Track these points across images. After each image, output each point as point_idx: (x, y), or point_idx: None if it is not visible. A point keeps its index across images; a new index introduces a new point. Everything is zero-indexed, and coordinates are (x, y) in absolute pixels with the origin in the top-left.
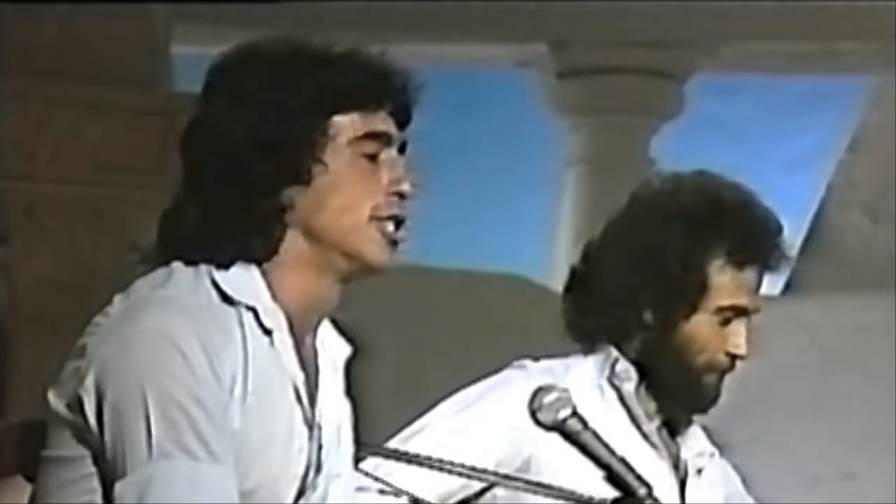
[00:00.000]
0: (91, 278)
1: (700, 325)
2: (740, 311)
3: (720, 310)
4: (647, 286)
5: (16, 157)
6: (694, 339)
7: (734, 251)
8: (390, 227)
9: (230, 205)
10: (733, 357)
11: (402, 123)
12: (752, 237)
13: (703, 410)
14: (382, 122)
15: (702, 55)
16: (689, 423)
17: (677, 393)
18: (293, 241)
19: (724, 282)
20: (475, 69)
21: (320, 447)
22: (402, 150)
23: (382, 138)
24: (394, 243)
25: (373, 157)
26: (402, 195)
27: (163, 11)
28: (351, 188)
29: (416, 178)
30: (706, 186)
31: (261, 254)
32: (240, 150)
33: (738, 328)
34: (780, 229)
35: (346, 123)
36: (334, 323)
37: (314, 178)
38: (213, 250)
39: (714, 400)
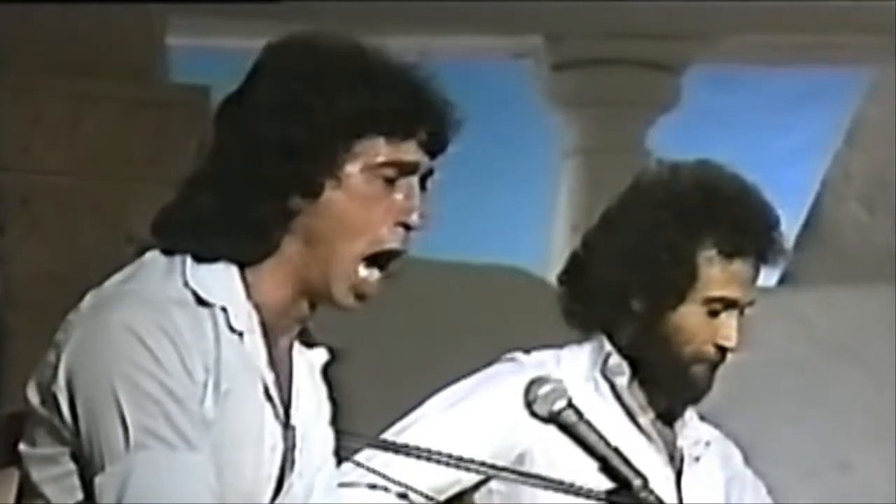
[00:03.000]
0: (87, 269)
1: (688, 315)
2: (730, 303)
3: (709, 301)
4: (636, 274)
5: (12, 147)
6: (682, 330)
7: (724, 242)
8: (369, 275)
9: (237, 199)
10: (723, 349)
11: (434, 152)
12: (743, 229)
13: (694, 401)
14: (408, 153)
15: (698, 47)
16: (685, 410)
17: (667, 384)
18: (288, 245)
19: (714, 273)
20: (471, 61)
21: (293, 447)
22: (427, 175)
23: (406, 167)
24: (362, 295)
25: (390, 181)
26: (407, 226)
27: (158, 3)
28: (357, 211)
29: (427, 210)
30: (703, 176)
31: (249, 258)
32: (262, 145)
33: (729, 320)
34: (776, 223)
35: (371, 146)
36: (306, 332)
37: (324, 192)
38: (203, 244)
39: (705, 391)
